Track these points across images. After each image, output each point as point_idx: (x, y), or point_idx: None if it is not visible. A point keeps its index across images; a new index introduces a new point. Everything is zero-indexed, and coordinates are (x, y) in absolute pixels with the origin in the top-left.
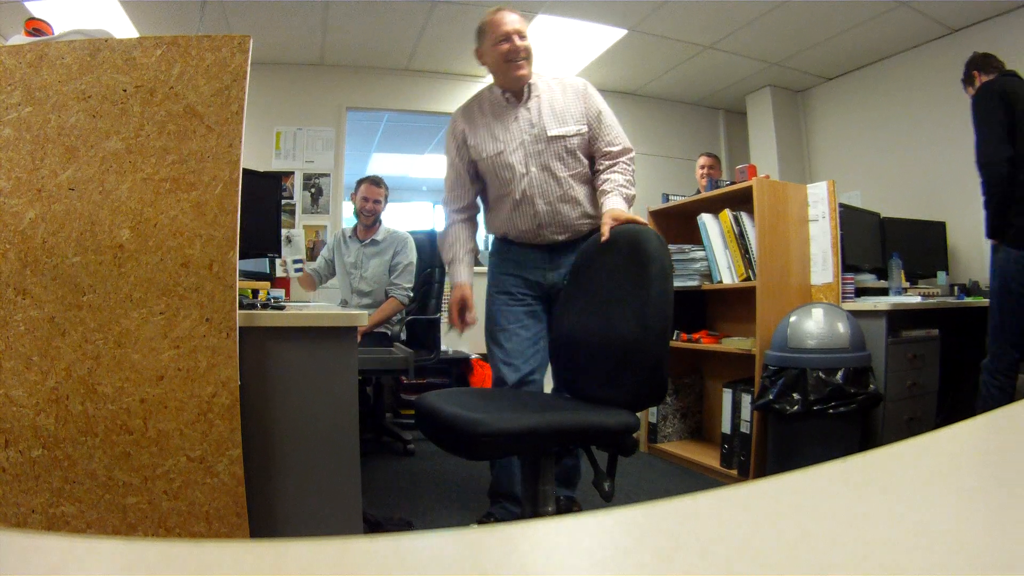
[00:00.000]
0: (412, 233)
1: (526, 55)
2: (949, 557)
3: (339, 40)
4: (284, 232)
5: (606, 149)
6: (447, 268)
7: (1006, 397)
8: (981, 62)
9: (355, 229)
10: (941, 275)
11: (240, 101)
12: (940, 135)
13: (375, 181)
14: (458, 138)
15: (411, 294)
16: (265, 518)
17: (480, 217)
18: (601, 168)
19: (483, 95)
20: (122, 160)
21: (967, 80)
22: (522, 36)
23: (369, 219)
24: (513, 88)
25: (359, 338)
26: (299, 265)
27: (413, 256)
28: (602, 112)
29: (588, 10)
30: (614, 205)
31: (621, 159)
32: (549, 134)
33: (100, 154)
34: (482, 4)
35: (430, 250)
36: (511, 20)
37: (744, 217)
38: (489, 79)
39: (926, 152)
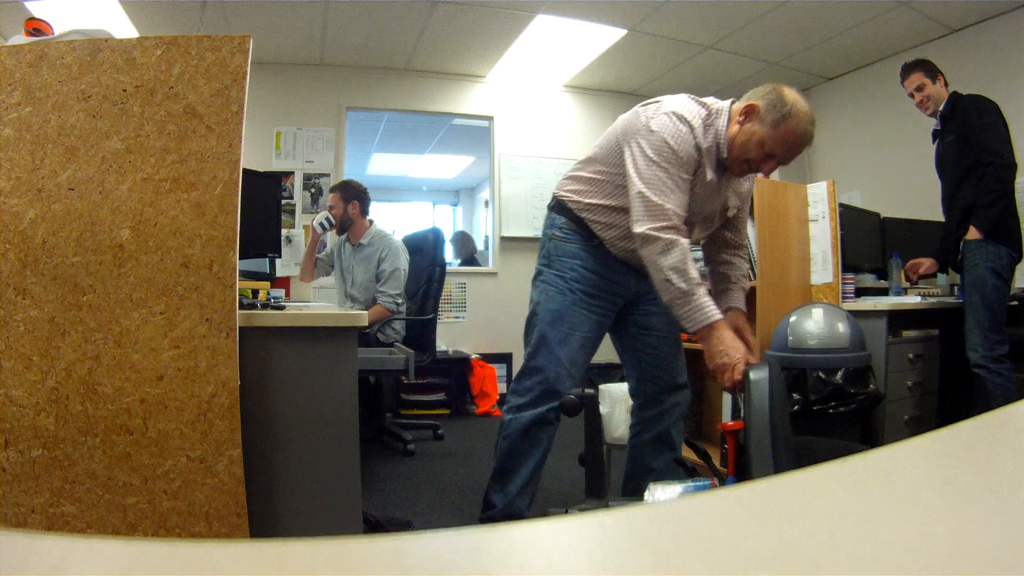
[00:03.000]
0: (415, 234)
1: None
2: (949, 557)
3: (339, 40)
4: (284, 232)
5: (736, 234)
6: (692, 292)
7: (1011, 382)
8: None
9: None
10: (941, 275)
11: (240, 101)
12: None
13: (331, 189)
14: (692, 161)
15: (399, 300)
16: (265, 518)
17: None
18: (725, 239)
19: (712, 139)
20: (122, 160)
21: (929, 74)
22: (781, 163)
23: (341, 226)
24: (729, 171)
25: None
26: (324, 224)
27: (399, 262)
28: (752, 192)
29: (588, 10)
30: (736, 304)
31: (744, 246)
32: (729, 215)
33: (100, 154)
34: (482, 4)
35: (432, 249)
36: (803, 145)
37: None
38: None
39: (926, 152)
